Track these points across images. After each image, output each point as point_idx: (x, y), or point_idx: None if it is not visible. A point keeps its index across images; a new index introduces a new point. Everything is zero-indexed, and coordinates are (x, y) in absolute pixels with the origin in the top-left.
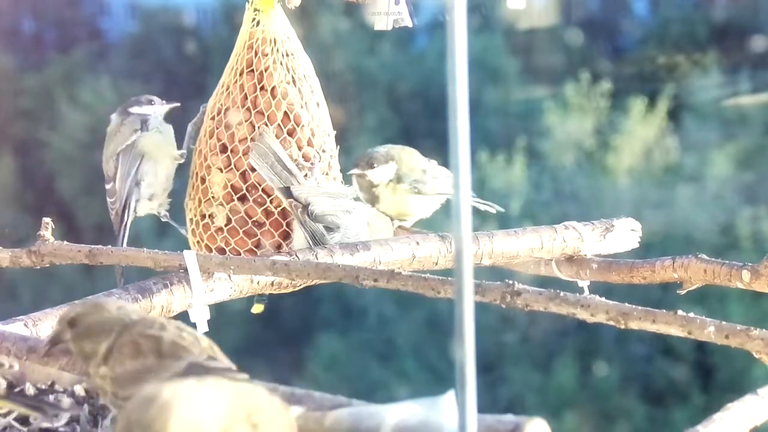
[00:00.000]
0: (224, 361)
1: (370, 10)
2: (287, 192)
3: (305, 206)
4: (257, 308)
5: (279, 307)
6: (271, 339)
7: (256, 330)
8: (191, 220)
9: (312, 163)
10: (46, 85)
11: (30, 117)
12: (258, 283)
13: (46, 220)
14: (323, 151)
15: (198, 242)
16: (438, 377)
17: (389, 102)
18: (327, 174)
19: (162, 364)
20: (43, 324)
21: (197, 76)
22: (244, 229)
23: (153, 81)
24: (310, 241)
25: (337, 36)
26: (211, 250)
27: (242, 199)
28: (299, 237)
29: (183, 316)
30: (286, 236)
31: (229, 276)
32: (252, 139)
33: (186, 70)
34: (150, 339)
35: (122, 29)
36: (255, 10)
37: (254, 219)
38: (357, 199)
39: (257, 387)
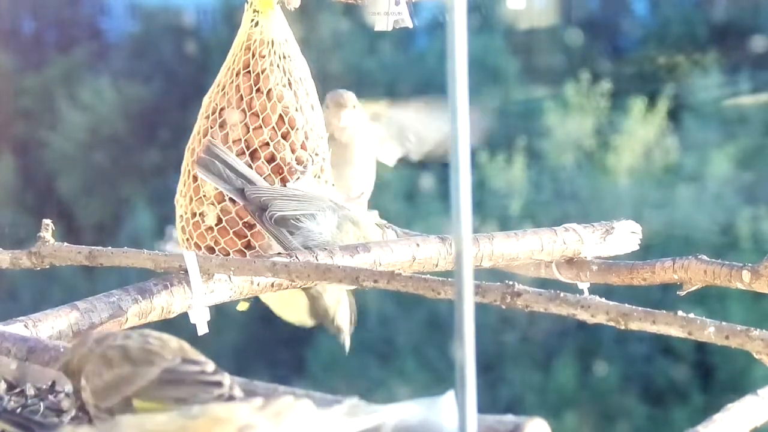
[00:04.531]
0: (199, 359)
1: (370, 11)
2: (241, 194)
3: (262, 209)
4: (243, 306)
5: None
6: (271, 339)
7: (256, 330)
8: (181, 217)
9: (305, 166)
10: (46, 85)
11: (30, 117)
12: (258, 284)
13: (46, 221)
14: (316, 154)
15: (187, 240)
16: (438, 377)
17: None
18: (319, 177)
19: (135, 372)
20: (43, 324)
21: (197, 76)
22: (234, 229)
23: (153, 81)
24: (275, 243)
25: (337, 36)
26: (200, 249)
27: (233, 199)
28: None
29: (183, 318)
30: None
31: (230, 277)
32: (245, 141)
33: (186, 70)
34: (116, 349)
35: (122, 29)
36: (254, 11)
37: (245, 220)
38: (334, 203)
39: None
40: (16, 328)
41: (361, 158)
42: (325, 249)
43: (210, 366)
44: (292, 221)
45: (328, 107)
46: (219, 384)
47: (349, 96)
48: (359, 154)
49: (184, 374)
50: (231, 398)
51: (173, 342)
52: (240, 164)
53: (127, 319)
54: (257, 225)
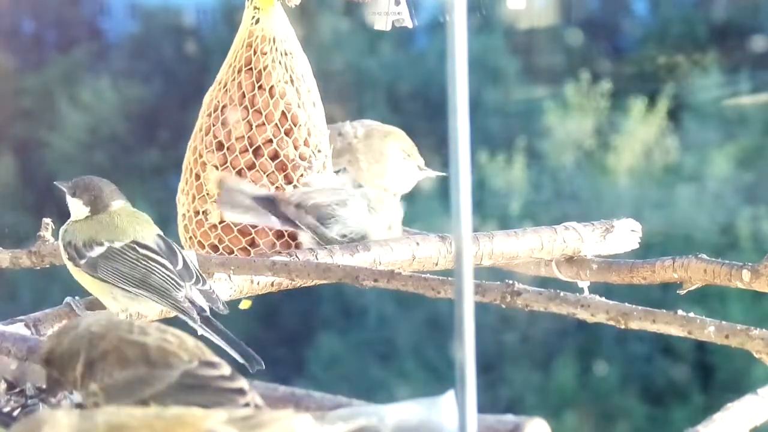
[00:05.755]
0: (215, 361)
1: (370, 10)
2: (270, 202)
3: (297, 205)
4: (245, 304)
5: (279, 307)
6: (271, 339)
7: (256, 330)
8: (183, 215)
9: (309, 162)
10: (46, 85)
11: (30, 117)
12: (258, 283)
13: (46, 220)
14: (319, 150)
15: (191, 238)
16: (438, 377)
17: (389, 102)
18: (320, 173)
19: (153, 374)
20: (43, 324)
21: (197, 76)
22: (238, 227)
23: (153, 81)
24: (314, 238)
25: (337, 36)
26: (204, 247)
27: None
28: (305, 237)
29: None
30: (280, 235)
31: (229, 276)
32: (248, 138)
33: (186, 70)
34: (133, 345)
35: (122, 29)
36: (255, 8)
37: None
38: (357, 186)
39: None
40: (17, 327)
41: (381, 166)
42: (326, 248)
43: (227, 369)
44: (327, 212)
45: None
46: (241, 392)
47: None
48: (378, 163)
49: (205, 379)
50: (256, 408)
51: (190, 340)
52: (254, 188)
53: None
54: (294, 227)
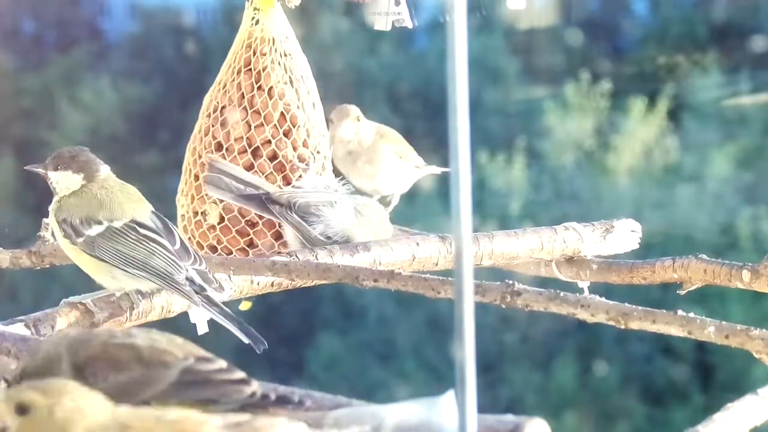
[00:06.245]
0: (210, 356)
1: (370, 10)
2: (259, 199)
3: (286, 205)
4: (245, 305)
5: (279, 307)
6: (271, 339)
7: (256, 330)
8: (183, 216)
9: (307, 164)
10: (46, 85)
11: (30, 117)
12: (258, 283)
13: (47, 220)
14: (318, 152)
15: (189, 239)
16: (438, 377)
17: (389, 102)
18: (321, 175)
19: (150, 374)
20: (43, 324)
21: (197, 76)
22: (236, 228)
23: (153, 81)
24: (298, 236)
25: (337, 36)
26: (202, 248)
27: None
28: (290, 235)
29: (183, 317)
30: (279, 236)
31: (229, 276)
32: (247, 139)
33: (186, 70)
34: (123, 348)
35: (122, 29)
36: (255, 9)
37: (247, 218)
38: (351, 192)
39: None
40: (16, 327)
41: (374, 168)
42: (326, 248)
43: (223, 362)
44: (312, 210)
45: (332, 122)
46: (245, 382)
47: (352, 108)
48: (370, 164)
49: (205, 374)
50: (265, 397)
51: (178, 339)
52: (245, 173)
53: (127, 318)
54: (281, 222)
